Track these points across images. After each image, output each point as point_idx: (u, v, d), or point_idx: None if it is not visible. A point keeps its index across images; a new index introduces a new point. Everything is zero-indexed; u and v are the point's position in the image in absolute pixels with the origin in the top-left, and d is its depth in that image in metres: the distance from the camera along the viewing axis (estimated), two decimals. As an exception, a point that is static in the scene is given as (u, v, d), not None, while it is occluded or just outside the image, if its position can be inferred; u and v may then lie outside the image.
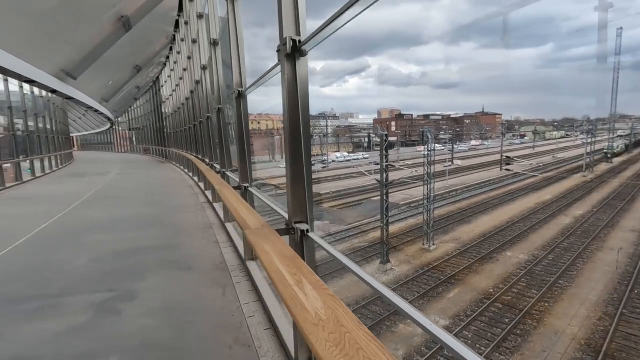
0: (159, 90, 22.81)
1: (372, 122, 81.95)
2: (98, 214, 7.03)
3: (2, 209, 8.17)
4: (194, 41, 8.78)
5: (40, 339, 2.67)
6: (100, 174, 15.03)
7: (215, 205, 7.37)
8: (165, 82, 19.24)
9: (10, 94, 13.15)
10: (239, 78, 4.35)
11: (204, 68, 7.10)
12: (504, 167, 38.05)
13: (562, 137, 62.44)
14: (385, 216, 20.01)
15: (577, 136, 55.01)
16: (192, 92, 10.01)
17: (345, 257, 2.07)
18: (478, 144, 67.04)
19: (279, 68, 2.55)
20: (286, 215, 2.63)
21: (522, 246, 18.76)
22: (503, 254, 17.89)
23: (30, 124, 15.14)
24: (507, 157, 40.94)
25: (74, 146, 47.70)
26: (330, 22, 1.90)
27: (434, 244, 19.73)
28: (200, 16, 6.96)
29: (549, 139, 62.35)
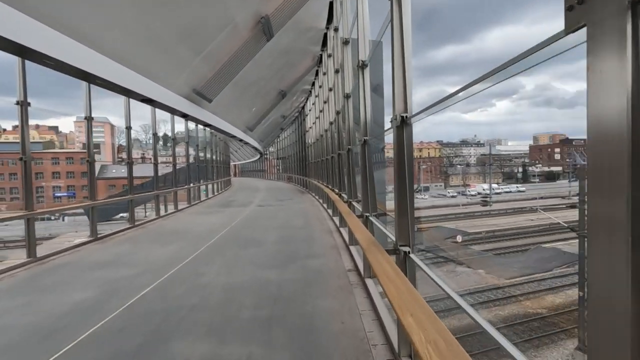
0: (304, 120, 22.67)
1: (527, 148, 71.10)
2: (212, 279, 5.11)
3: (134, 251, 7.24)
4: (346, 42, 6.51)
5: None
6: (243, 205, 14.85)
7: (367, 282, 4.55)
8: (310, 110, 18.49)
9: (176, 127, 14.03)
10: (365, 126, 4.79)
11: (362, 66, 4.60)
12: None
13: None
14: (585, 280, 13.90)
15: None
16: (342, 107, 7.92)
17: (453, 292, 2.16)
18: None
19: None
20: (394, 238, 3.19)
21: None
22: None
23: (192, 152, 16.25)
24: None
25: (235, 173, 55.12)
26: (432, 106, 2.39)
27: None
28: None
29: None
